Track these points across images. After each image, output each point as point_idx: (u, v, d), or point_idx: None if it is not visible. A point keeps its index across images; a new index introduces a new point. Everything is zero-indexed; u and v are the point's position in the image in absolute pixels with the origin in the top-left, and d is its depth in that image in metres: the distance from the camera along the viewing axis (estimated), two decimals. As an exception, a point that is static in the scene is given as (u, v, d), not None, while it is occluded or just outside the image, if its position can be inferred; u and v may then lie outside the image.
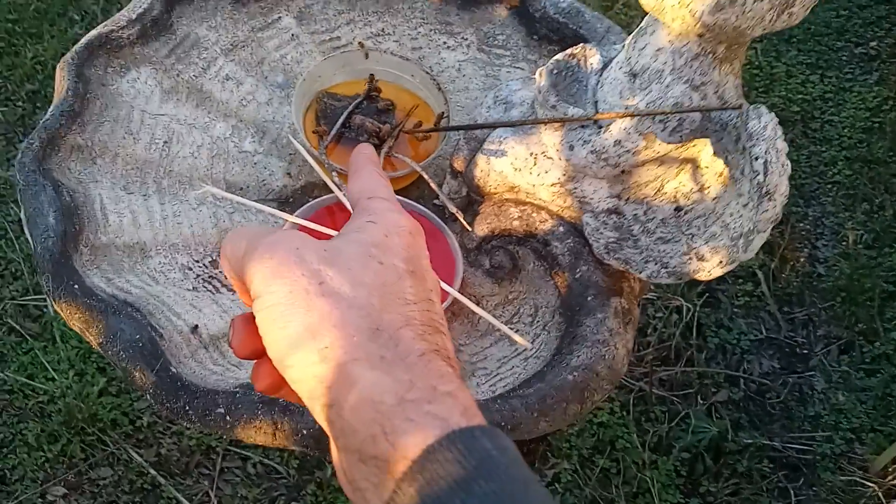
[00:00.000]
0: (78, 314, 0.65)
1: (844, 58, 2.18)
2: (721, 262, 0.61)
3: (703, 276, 0.62)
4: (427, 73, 0.83)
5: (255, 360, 0.37)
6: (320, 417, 0.32)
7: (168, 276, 0.71)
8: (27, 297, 1.64)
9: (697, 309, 1.70)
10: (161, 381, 0.62)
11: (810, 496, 1.52)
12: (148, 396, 0.63)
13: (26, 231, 0.70)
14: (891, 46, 2.19)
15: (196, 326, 0.68)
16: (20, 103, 1.95)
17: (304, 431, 0.61)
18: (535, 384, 0.64)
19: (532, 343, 0.70)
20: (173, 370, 0.63)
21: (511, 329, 0.70)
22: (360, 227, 0.36)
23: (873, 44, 2.21)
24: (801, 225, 1.86)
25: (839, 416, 1.60)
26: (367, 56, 0.83)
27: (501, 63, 0.88)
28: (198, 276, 0.72)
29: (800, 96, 2.07)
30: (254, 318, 0.35)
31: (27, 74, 1.99)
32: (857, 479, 1.52)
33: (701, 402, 1.63)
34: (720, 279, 1.78)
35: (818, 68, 2.14)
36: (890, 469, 1.52)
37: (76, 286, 0.66)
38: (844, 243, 1.83)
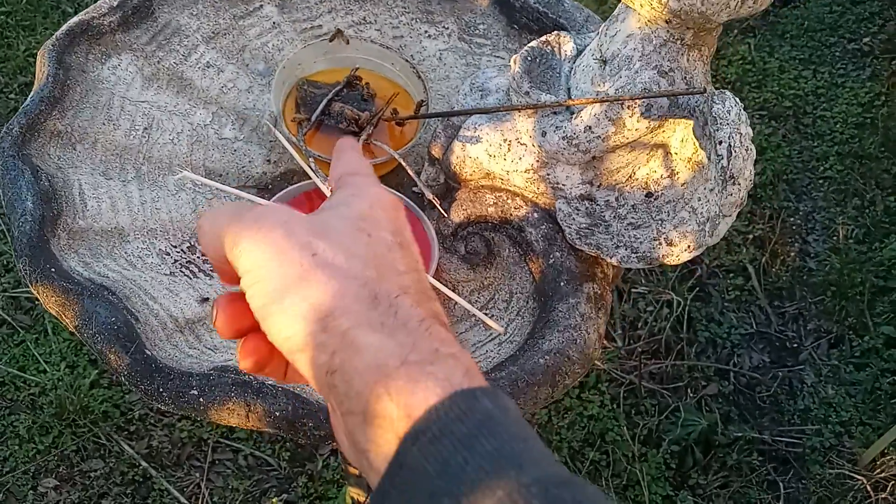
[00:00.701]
0: (54, 297, 0.66)
1: (837, 53, 2.18)
2: (689, 246, 0.62)
3: (671, 260, 0.63)
4: (407, 61, 0.84)
5: (239, 340, 0.37)
6: (321, 385, 0.32)
7: (145, 261, 0.72)
8: (19, 290, 1.65)
9: (688, 303, 1.70)
10: (135, 363, 0.63)
11: (799, 489, 1.53)
12: (123, 378, 0.64)
13: (6, 216, 0.71)
14: (883, 42, 2.19)
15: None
16: (12, 95, 1.96)
17: (277, 413, 0.62)
18: (507, 368, 0.65)
19: (506, 328, 0.71)
20: (148, 352, 0.64)
21: (486, 314, 0.71)
22: (343, 200, 0.36)
23: (866, 40, 2.21)
24: (792, 220, 1.87)
25: (828, 410, 1.60)
26: (347, 42, 0.83)
27: (482, 52, 0.89)
28: (175, 261, 0.73)
29: (792, 91, 2.08)
30: (237, 297, 0.35)
31: (20, 67, 2.00)
32: (846, 473, 1.53)
33: (691, 395, 1.63)
34: (711, 273, 1.78)
35: (811, 64, 2.14)
36: (878, 462, 1.53)
37: (53, 269, 0.66)
38: (835, 238, 1.83)
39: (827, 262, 1.79)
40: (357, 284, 0.33)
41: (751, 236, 1.83)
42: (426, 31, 0.91)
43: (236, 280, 0.35)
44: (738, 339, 1.70)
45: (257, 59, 0.87)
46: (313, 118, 0.79)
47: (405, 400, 0.30)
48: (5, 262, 1.69)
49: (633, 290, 1.75)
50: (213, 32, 0.87)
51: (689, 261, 1.81)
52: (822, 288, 1.76)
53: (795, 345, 1.71)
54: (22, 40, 2.04)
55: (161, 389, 0.62)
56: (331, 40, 0.83)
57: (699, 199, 0.61)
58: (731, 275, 1.78)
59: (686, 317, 1.69)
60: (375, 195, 0.37)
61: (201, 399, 0.62)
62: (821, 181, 1.94)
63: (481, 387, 0.31)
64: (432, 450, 0.29)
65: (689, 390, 1.64)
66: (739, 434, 1.57)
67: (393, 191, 0.76)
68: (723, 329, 1.70)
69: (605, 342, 1.67)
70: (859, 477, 1.51)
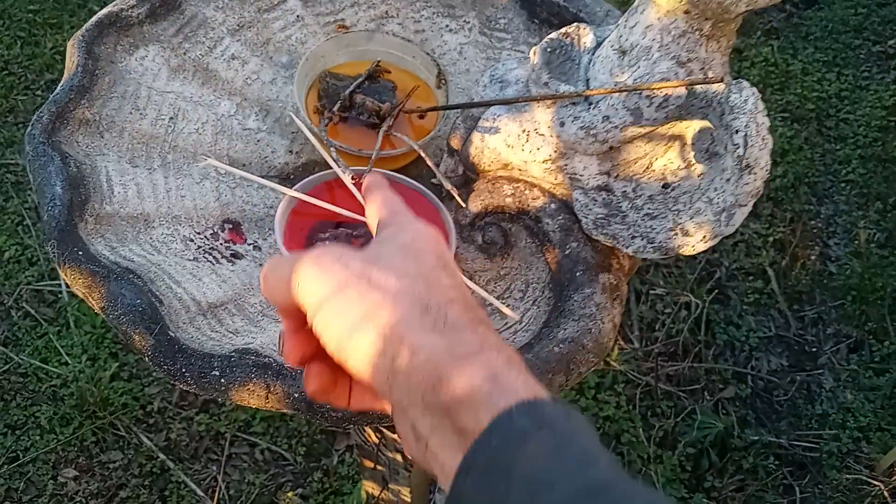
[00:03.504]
0: (81, 279, 0.67)
1: (861, 56, 2.17)
2: (705, 236, 0.62)
3: (687, 250, 0.64)
4: (428, 54, 0.85)
5: (303, 366, 0.42)
6: (385, 389, 0.37)
7: (170, 247, 0.74)
8: (42, 283, 1.68)
9: (706, 305, 1.70)
10: (159, 344, 0.64)
11: (815, 494, 1.52)
12: (146, 359, 0.65)
13: (36, 200, 0.73)
14: (908, 46, 2.18)
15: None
16: (39, 92, 1.99)
17: (296, 395, 0.63)
18: (522, 355, 0.65)
19: (521, 317, 0.71)
20: (171, 334, 0.65)
21: (502, 303, 0.71)
22: (389, 236, 0.41)
23: (891, 42, 2.20)
24: (813, 223, 1.86)
25: (846, 415, 1.59)
26: (346, 32, 0.86)
27: (503, 46, 0.90)
28: (199, 247, 0.74)
29: (815, 94, 2.07)
30: (299, 328, 0.41)
31: (46, 64, 2.03)
32: (863, 478, 1.51)
33: (708, 398, 1.63)
34: (730, 275, 1.78)
35: (835, 66, 2.13)
36: (896, 468, 1.52)
37: (80, 252, 0.68)
38: (856, 242, 1.82)
39: (848, 267, 1.78)
40: (409, 298, 0.37)
41: (771, 239, 1.82)
42: (447, 26, 0.92)
43: (299, 321, 0.40)
44: (757, 342, 1.69)
45: (281, 51, 0.89)
46: (335, 109, 0.80)
47: (451, 389, 0.34)
48: (29, 256, 1.72)
49: (651, 291, 1.75)
50: (238, 25, 0.88)
51: (708, 263, 1.80)
52: (842, 292, 1.75)
53: (814, 349, 1.70)
54: (49, 38, 2.08)
55: (183, 370, 0.63)
56: (342, 31, 0.85)
57: (715, 190, 0.62)
58: (751, 278, 1.77)
59: (704, 319, 1.69)
60: (417, 229, 0.42)
61: (223, 380, 0.63)
62: (843, 184, 1.93)
63: (518, 402, 0.34)
64: (481, 482, 0.33)
65: (706, 393, 1.63)
66: (756, 438, 1.56)
67: (413, 181, 0.77)
68: (741, 332, 1.70)
69: (621, 343, 1.67)
70: (877, 483, 1.50)
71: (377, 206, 0.45)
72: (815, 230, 1.85)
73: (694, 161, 0.63)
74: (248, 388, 0.63)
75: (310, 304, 0.38)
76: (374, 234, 0.44)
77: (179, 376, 0.64)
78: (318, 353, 0.41)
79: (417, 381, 0.35)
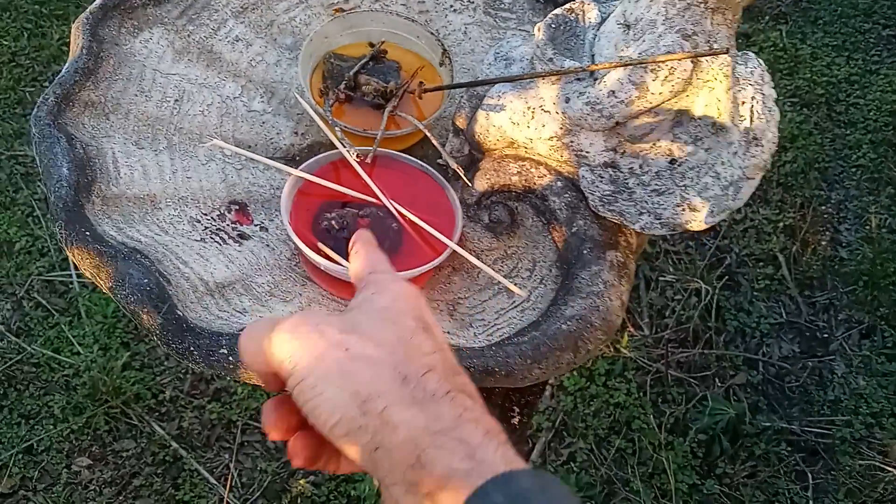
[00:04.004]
0: (89, 259, 0.67)
1: (871, 40, 2.15)
2: (712, 211, 0.62)
3: (694, 226, 0.63)
4: (433, 34, 0.85)
5: (289, 437, 0.41)
6: (368, 462, 0.36)
7: (177, 228, 0.74)
8: (53, 274, 1.69)
9: (717, 291, 1.69)
10: (167, 323, 0.64)
11: (828, 480, 1.51)
12: (155, 337, 0.65)
13: (42, 182, 0.73)
14: (919, 29, 2.15)
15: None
16: (46, 84, 2.00)
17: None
18: (529, 333, 0.65)
19: (529, 295, 0.71)
20: (180, 313, 0.66)
21: (509, 282, 0.71)
22: (367, 298, 0.41)
23: (901, 26, 2.17)
24: (824, 208, 1.84)
25: (859, 401, 1.58)
26: (344, 15, 0.85)
27: (507, 26, 0.90)
28: (206, 227, 0.75)
29: (825, 79, 2.05)
30: (283, 400, 0.40)
31: (53, 56, 2.04)
32: (877, 464, 1.51)
33: (719, 384, 1.62)
34: (740, 262, 1.77)
35: (844, 50, 2.12)
36: (909, 453, 1.51)
37: (88, 233, 0.68)
38: (867, 227, 1.81)
39: (859, 252, 1.77)
40: (387, 369, 0.37)
41: (781, 225, 1.81)
42: (451, 5, 0.92)
43: (280, 387, 0.40)
44: (768, 328, 1.68)
45: (285, 33, 0.88)
46: (340, 89, 0.80)
47: (430, 467, 0.35)
48: (40, 247, 1.73)
49: (660, 278, 1.74)
50: (241, 7, 0.89)
51: (718, 249, 1.79)
52: (853, 278, 1.74)
53: (826, 335, 1.69)
54: (56, 29, 2.09)
55: (192, 348, 0.64)
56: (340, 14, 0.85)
57: (723, 164, 0.61)
58: (761, 264, 1.76)
59: (714, 306, 1.68)
60: (396, 289, 0.41)
61: (230, 358, 0.63)
62: (853, 169, 1.91)
63: (493, 477, 0.34)
64: None
65: (716, 379, 1.63)
66: (768, 424, 1.55)
67: (419, 161, 0.77)
68: (752, 318, 1.69)
69: (632, 330, 1.66)
70: (890, 469, 1.49)
71: (360, 262, 0.45)
72: (825, 215, 1.84)
73: (700, 136, 0.63)
74: (255, 367, 0.63)
75: (288, 375, 0.38)
76: (356, 289, 0.44)
77: (188, 355, 0.64)
78: (302, 423, 0.40)
79: (398, 459, 0.35)
